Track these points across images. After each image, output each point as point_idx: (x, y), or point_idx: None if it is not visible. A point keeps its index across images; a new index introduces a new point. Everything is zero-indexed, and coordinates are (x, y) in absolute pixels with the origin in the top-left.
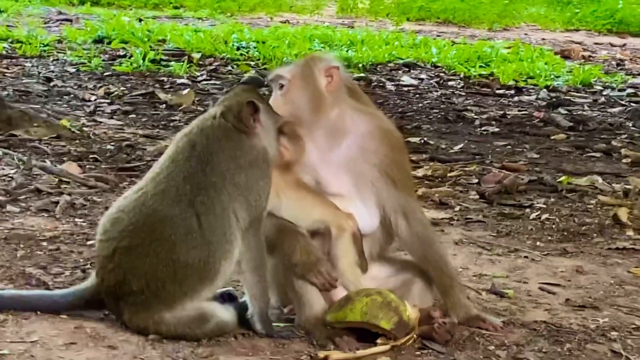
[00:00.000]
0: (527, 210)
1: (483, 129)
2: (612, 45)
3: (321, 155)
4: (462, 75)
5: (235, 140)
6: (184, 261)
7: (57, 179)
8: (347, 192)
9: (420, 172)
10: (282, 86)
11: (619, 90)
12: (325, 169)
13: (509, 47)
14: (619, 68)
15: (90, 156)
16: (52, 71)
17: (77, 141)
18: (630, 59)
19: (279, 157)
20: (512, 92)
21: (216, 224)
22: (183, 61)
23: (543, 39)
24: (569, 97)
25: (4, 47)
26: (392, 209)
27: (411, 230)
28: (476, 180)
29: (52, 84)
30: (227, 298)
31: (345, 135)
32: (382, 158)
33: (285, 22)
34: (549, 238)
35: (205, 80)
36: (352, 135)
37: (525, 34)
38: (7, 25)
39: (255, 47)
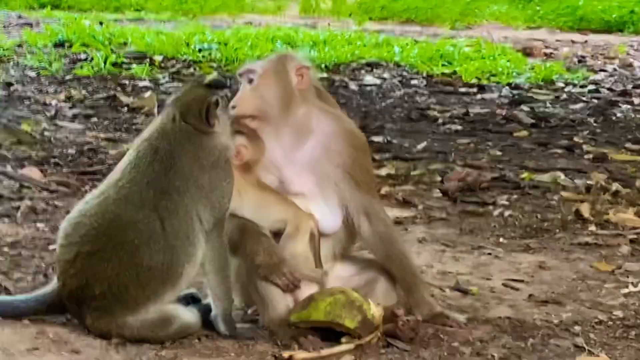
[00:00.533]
0: (490, 207)
1: (446, 127)
2: (573, 42)
3: (286, 154)
4: (424, 74)
5: (197, 142)
6: (147, 265)
7: (18, 184)
8: (310, 192)
9: (383, 171)
10: (251, 80)
11: (581, 87)
12: (289, 168)
13: (471, 45)
14: (580, 65)
15: (52, 160)
16: (12, 76)
17: (38, 146)
18: (592, 56)
19: (239, 157)
20: (475, 90)
21: (180, 227)
22: (145, 64)
23: (505, 36)
24: (531, 95)
25: None
26: (355, 209)
27: (373, 230)
28: (439, 179)
29: (12, 88)
30: (190, 300)
31: (310, 134)
32: (345, 159)
33: (247, 24)
34: (512, 234)
35: (167, 82)
36: (317, 135)
37: (488, 32)
38: None
39: (217, 49)
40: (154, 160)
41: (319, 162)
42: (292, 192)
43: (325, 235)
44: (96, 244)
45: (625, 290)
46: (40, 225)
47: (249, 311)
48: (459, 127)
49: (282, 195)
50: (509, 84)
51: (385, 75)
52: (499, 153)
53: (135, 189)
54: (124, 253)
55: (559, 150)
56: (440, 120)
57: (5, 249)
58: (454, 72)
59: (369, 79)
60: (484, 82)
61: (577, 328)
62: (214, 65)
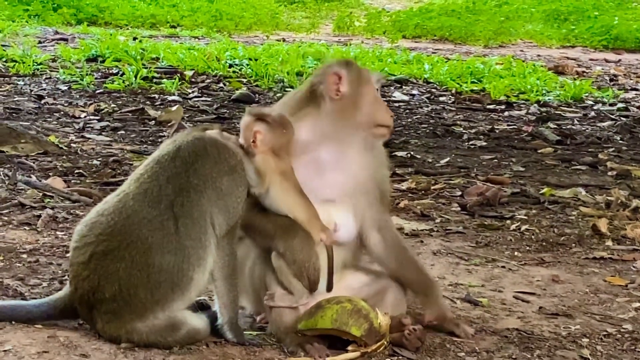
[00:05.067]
0: (508, 221)
1: (471, 143)
2: (607, 61)
3: (328, 158)
4: (453, 91)
5: (219, 145)
6: (158, 265)
7: (41, 194)
8: (340, 199)
9: (404, 185)
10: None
11: (610, 105)
12: (328, 172)
13: (501, 63)
14: (612, 83)
15: (76, 171)
16: (44, 89)
17: (64, 157)
18: (624, 75)
19: (255, 143)
20: (503, 107)
21: (193, 228)
22: (175, 78)
23: (538, 55)
24: (559, 112)
25: None
26: (370, 220)
27: (385, 240)
28: (459, 193)
29: (43, 101)
30: (199, 307)
31: (356, 144)
32: (377, 171)
33: (280, 41)
34: (528, 248)
35: (196, 97)
36: (360, 145)
37: (521, 51)
38: (2, 45)
39: (247, 65)
40: (176, 157)
41: (356, 171)
42: (324, 196)
43: (341, 244)
44: (111, 242)
45: (637, 305)
46: (59, 233)
47: (257, 319)
48: (484, 143)
49: (306, 197)
50: (537, 102)
51: (414, 91)
52: (521, 169)
53: (155, 183)
54: (136, 252)
55: (583, 167)
56: (465, 137)
57: (24, 256)
58: (483, 89)
59: (397, 95)
60: (513, 99)
61: (584, 340)
62: (244, 80)
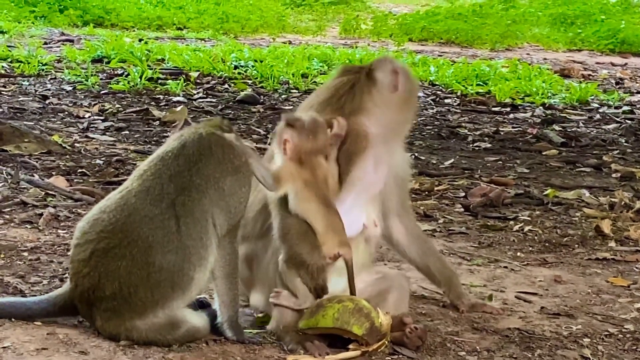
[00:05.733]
0: (511, 222)
1: (475, 145)
2: (613, 64)
3: (389, 151)
4: (459, 93)
5: (224, 145)
6: (158, 265)
7: (43, 192)
8: (378, 191)
9: None
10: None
11: (615, 108)
12: (384, 166)
13: (507, 66)
14: (618, 86)
15: (79, 170)
16: (49, 89)
17: (67, 156)
18: (630, 78)
19: (284, 150)
20: (508, 109)
21: (194, 228)
22: (180, 79)
23: (545, 58)
24: (564, 115)
25: (2, 67)
26: (395, 211)
27: (408, 232)
28: (463, 194)
29: (47, 101)
30: (199, 305)
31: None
32: (409, 163)
33: (287, 43)
34: (530, 249)
35: (201, 98)
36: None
37: (528, 54)
38: (8, 46)
39: (253, 66)
40: (180, 155)
41: (397, 165)
42: (374, 190)
43: (369, 240)
44: (112, 240)
45: (639, 305)
46: (61, 232)
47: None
48: (488, 145)
49: (330, 208)
50: (543, 104)
51: (420, 93)
52: (526, 170)
53: (157, 181)
54: (137, 250)
55: (587, 169)
56: (470, 138)
57: (25, 254)
58: (489, 92)
59: None
60: (518, 102)
61: (586, 340)
62: (249, 81)
